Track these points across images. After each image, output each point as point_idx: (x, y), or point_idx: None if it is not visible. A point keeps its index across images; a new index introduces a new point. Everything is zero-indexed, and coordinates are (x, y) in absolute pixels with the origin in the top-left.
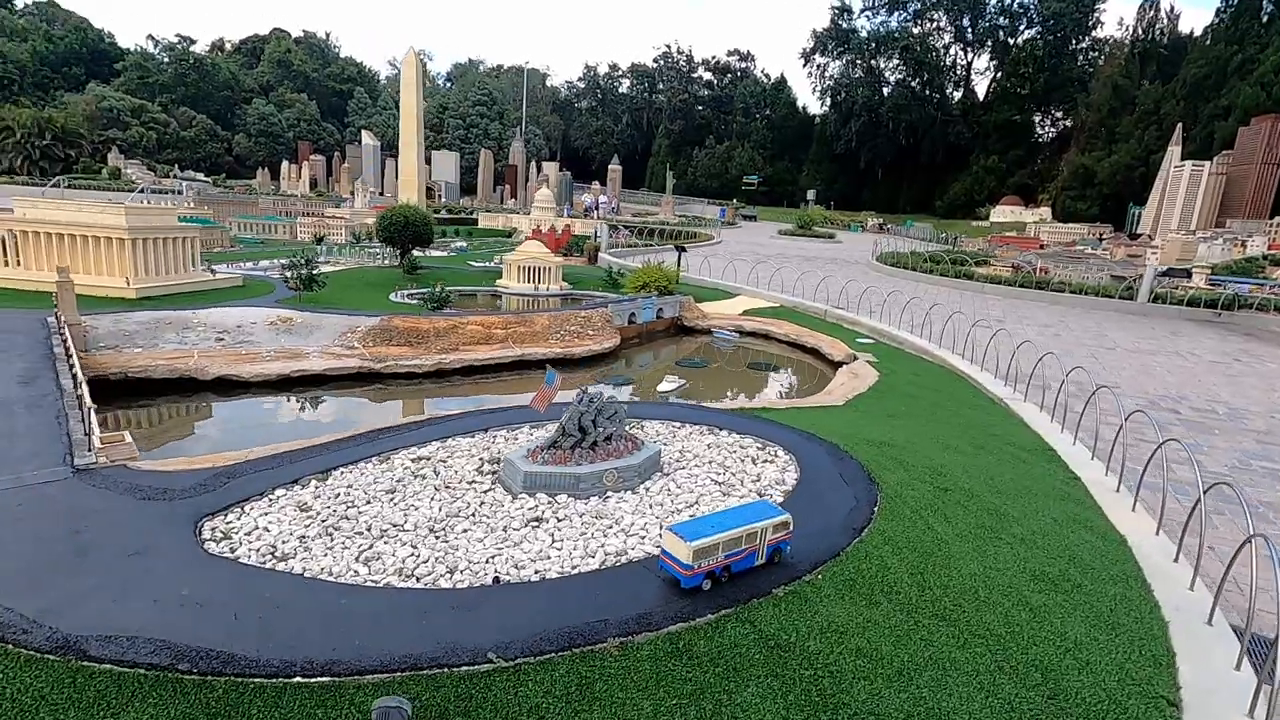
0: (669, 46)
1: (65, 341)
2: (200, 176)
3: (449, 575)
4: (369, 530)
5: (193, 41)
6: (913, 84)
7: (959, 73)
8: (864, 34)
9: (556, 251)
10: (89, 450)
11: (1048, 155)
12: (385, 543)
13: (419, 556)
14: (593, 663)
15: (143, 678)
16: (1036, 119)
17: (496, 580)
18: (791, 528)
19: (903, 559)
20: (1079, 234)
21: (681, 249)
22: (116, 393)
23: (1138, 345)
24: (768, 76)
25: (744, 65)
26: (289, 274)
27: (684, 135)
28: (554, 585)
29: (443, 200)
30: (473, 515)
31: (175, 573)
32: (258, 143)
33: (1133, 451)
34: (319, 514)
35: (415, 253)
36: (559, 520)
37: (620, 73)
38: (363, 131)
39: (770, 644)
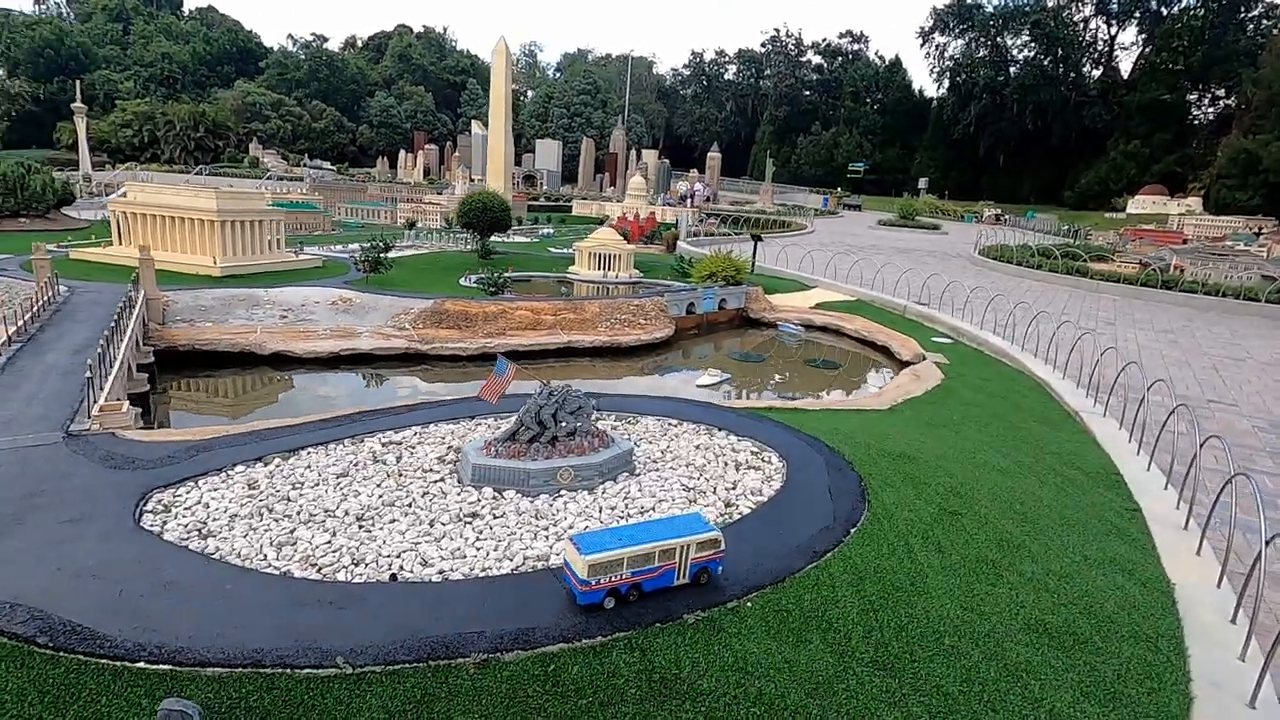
0: (777, 30)
1: (133, 314)
2: (326, 165)
3: (351, 568)
4: (298, 514)
5: (326, 39)
6: (1043, 62)
7: (1099, 48)
8: (989, 9)
9: (638, 239)
10: (87, 417)
11: (1202, 139)
12: (307, 528)
13: (332, 545)
14: (445, 679)
15: (1, 645)
16: (1191, 98)
17: (393, 578)
18: (722, 546)
19: (859, 592)
20: (1233, 227)
21: (758, 238)
22: (185, 363)
23: (1277, 358)
24: (881, 59)
25: (856, 47)
26: (358, 257)
27: (789, 122)
28: (450, 588)
29: (544, 188)
30: (409, 505)
31: (96, 544)
32: (379, 133)
33: (1215, 483)
34: (262, 494)
35: (499, 238)
36: (495, 517)
37: (726, 59)
38: (473, 121)
39: (655, 677)
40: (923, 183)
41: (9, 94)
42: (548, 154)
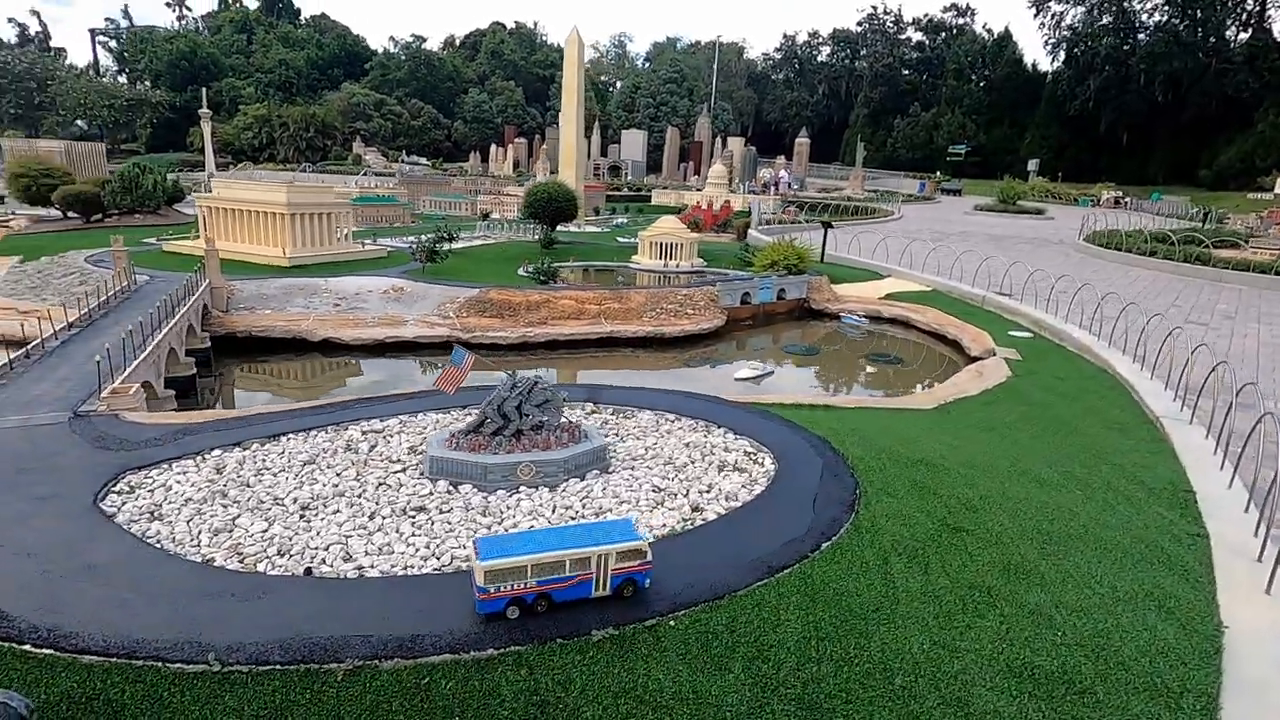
0: (875, 8)
1: (187, 302)
2: (422, 160)
3: (274, 559)
4: (248, 501)
5: (424, 40)
6: (1178, 26)
7: (1248, 7)
8: None
9: (710, 228)
10: (98, 399)
11: None
12: (251, 515)
13: (267, 534)
14: (312, 684)
15: None
16: None
17: (308, 572)
18: (648, 557)
19: (807, 616)
20: None
21: (828, 225)
22: (244, 349)
23: None
24: (989, 32)
25: (961, 21)
26: (414, 248)
27: (885, 103)
28: (360, 586)
29: (628, 178)
30: (358, 496)
31: (49, 522)
32: (472, 128)
33: None
34: (224, 479)
35: (570, 228)
36: (441, 512)
37: (820, 40)
38: (560, 114)
39: (536, 700)
40: (1032, 164)
41: (151, 103)
42: (633, 144)
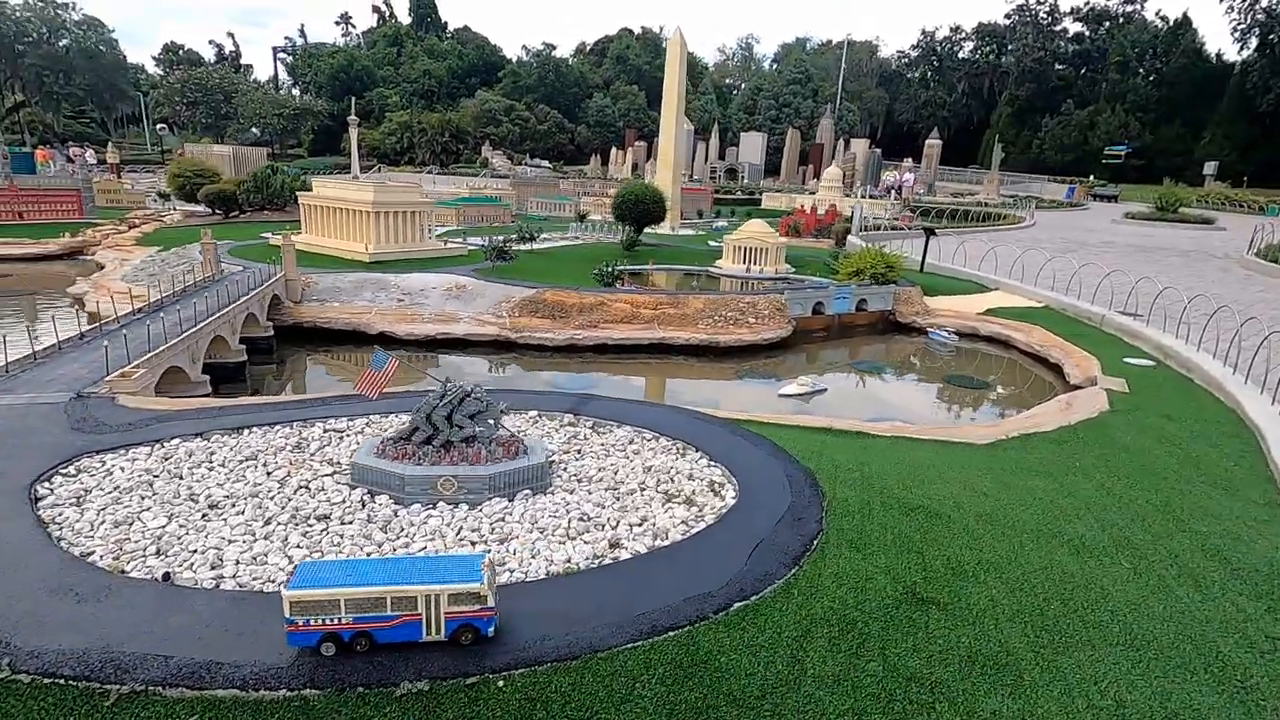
0: None
1: (251, 292)
2: (544, 163)
3: (149, 559)
4: (165, 495)
5: (554, 48)
6: None
7: None
8: None
9: (810, 232)
10: (102, 381)
11: None
12: (156, 510)
13: (158, 532)
14: (84, 704)
15: None
16: None
17: (166, 577)
18: (489, 602)
19: (669, 695)
20: None
21: (930, 232)
22: (309, 338)
23: None
24: (1163, 19)
25: (1129, 9)
26: (486, 247)
27: (1032, 101)
28: (204, 598)
29: (745, 181)
30: (272, 498)
31: None
32: (594, 132)
33: None
34: (163, 469)
35: (664, 230)
36: (342, 523)
37: (962, 35)
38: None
39: None
40: (1210, 167)
41: (313, 111)
42: (751, 147)
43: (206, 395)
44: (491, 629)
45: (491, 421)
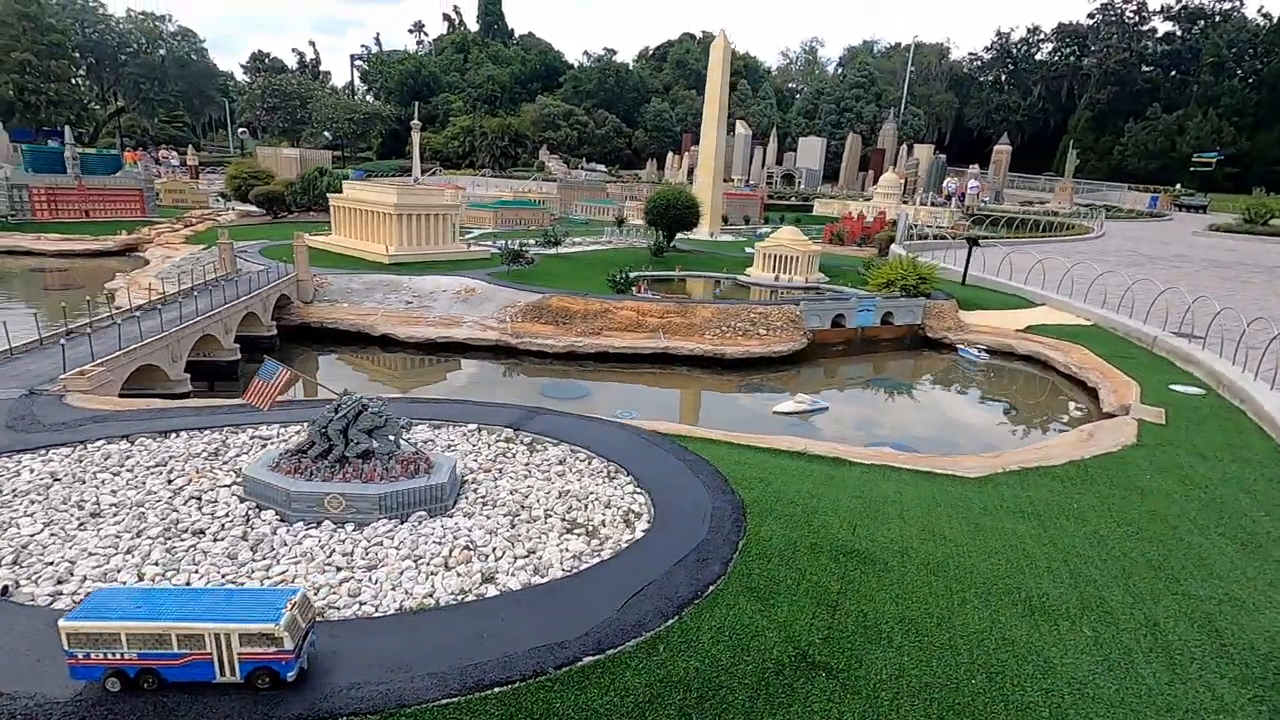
0: None
1: (255, 291)
2: (600, 167)
3: (1, 571)
4: (56, 500)
5: (614, 53)
6: None
7: None
8: None
9: (854, 240)
10: (58, 378)
11: None
12: (36, 516)
13: (26, 540)
14: None
15: None
16: None
17: (4, 591)
18: (285, 646)
19: None
20: None
21: (974, 243)
22: (317, 338)
23: None
24: (1266, 17)
25: (1226, 6)
26: (500, 250)
27: (1114, 105)
28: (34, 616)
29: (801, 186)
30: (155, 508)
31: None
32: (651, 136)
33: None
34: (67, 473)
35: (700, 235)
36: (214, 540)
37: (1041, 36)
38: (737, 122)
39: None
40: None
41: (381, 116)
42: (810, 152)
43: (186, 394)
44: (292, 673)
45: (391, 437)
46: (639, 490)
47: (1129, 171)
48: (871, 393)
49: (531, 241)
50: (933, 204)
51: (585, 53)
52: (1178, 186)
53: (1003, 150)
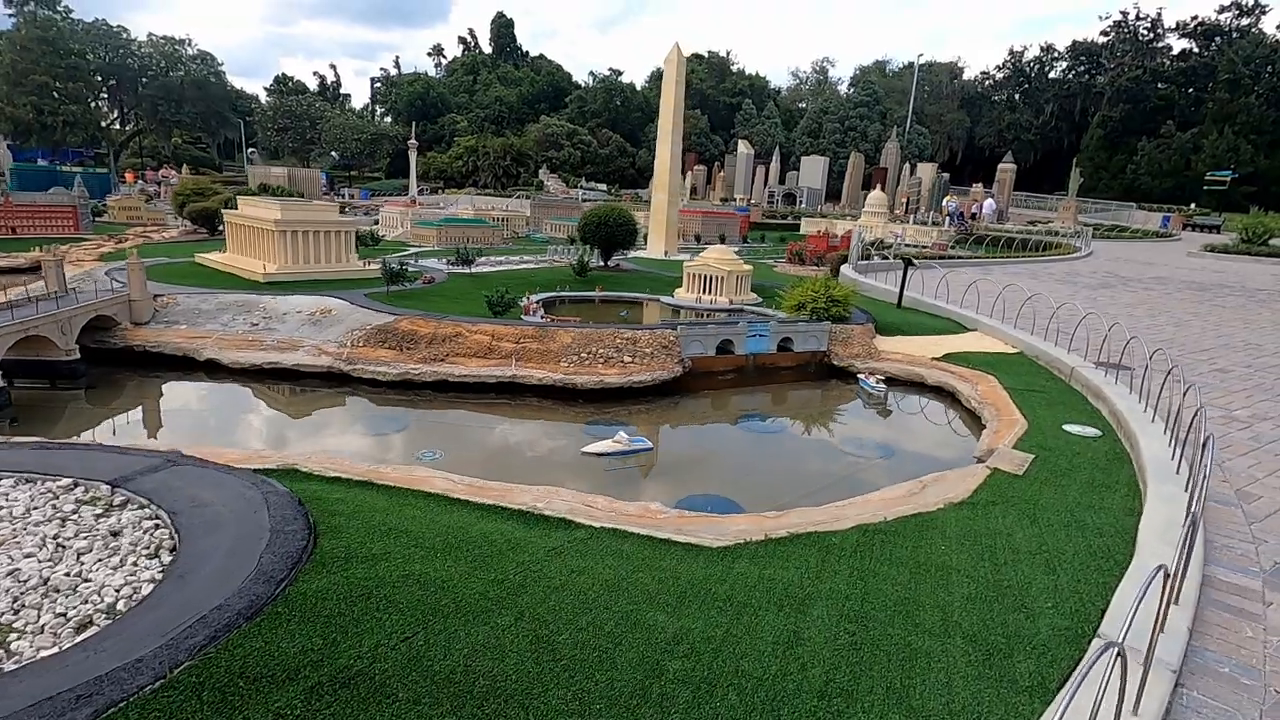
0: (1125, 13)
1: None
2: (601, 187)
3: None
4: None
5: (621, 73)
6: None
7: None
8: None
9: (811, 260)
10: None
11: None
12: None
13: None
14: None
15: None
16: None
17: None
18: None
19: None
20: None
21: (909, 263)
22: (141, 363)
23: None
24: None
25: (1243, 21)
26: (382, 268)
27: (1127, 123)
28: None
29: (803, 206)
30: None
31: None
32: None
33: None
34: None
35: (654, 254)
36: None
37: (1054, 54)
38: (739, 141)
39: None
40: None
41: (389, 136)
42: (812, 171)
43: None
44: None
45: None
46: (157, 532)
47: (1142, 190)
48: (734, 431)
49: (443, 260)
50: (933, 223)
51: (591, 73)
52: (1193, 206)
53: (1006, 169)
